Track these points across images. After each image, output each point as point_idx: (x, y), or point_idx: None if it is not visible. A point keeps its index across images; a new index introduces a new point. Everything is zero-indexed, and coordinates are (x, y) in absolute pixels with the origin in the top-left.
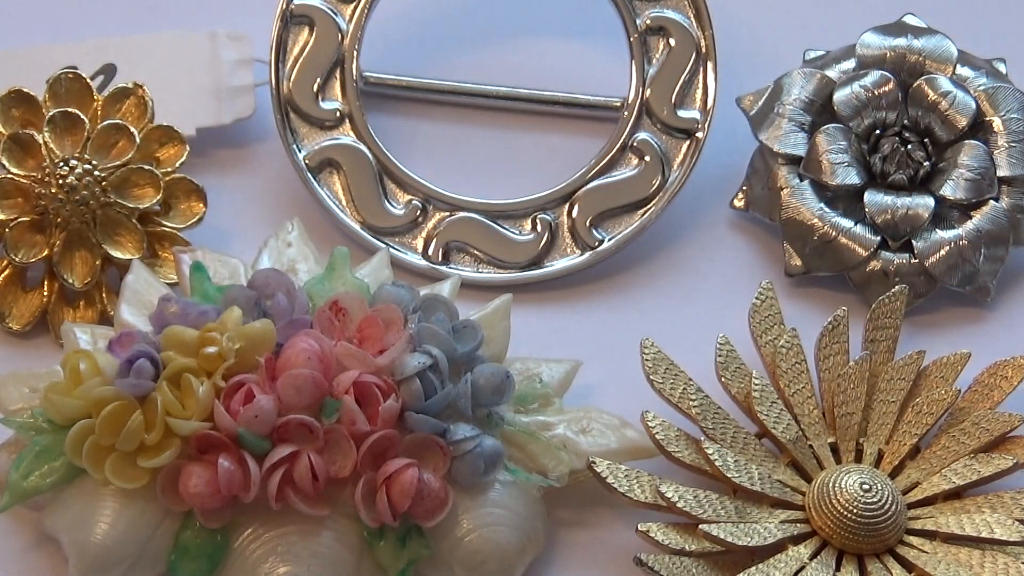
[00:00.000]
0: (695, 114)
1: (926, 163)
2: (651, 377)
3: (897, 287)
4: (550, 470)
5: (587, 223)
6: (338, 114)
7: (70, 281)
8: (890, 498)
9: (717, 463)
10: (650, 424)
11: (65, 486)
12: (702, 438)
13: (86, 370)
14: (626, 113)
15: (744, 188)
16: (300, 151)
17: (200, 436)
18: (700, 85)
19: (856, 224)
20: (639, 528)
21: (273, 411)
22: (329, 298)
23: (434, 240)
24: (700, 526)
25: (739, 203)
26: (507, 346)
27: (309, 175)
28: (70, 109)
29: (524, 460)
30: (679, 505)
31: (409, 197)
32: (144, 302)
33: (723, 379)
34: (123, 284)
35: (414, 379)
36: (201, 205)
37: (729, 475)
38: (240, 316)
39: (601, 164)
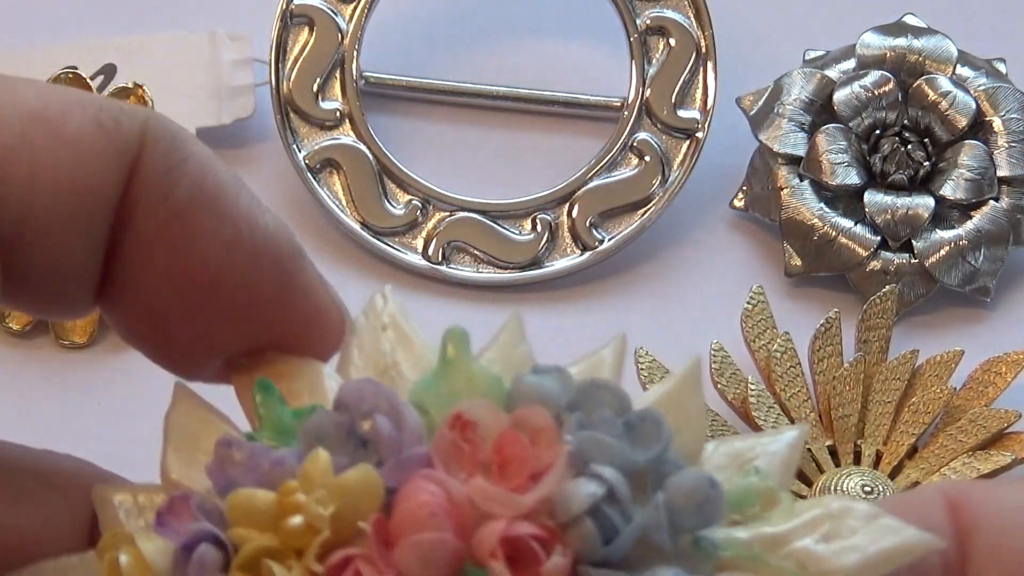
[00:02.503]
0: (695, 114)
1: (926, 163)
2: (647, 387)
3: (887, 287)
4: None
5: (587, 223)
6: (338, 114)
7: None
8: None
9: None
10: None
11: None
12: None
13: (129, 567)
14: (626, 113)
15: (744, 188)
16: (300, 151)
17: None
18: (700, 85)
19: (856, 224)
20: None
21: None
22: (450, 412)
23: (434, 240)
24: None
25: (739, 203)
26: (704, 433)
27: (309, 175)
28: None
29: None
30: None
31: (409, 197)
32: (198, 445)
33: (718, 385)
34: (166, 423)
35: (585, 519)
36: None
37: None
38: (328, 461)
39: (601, 164)
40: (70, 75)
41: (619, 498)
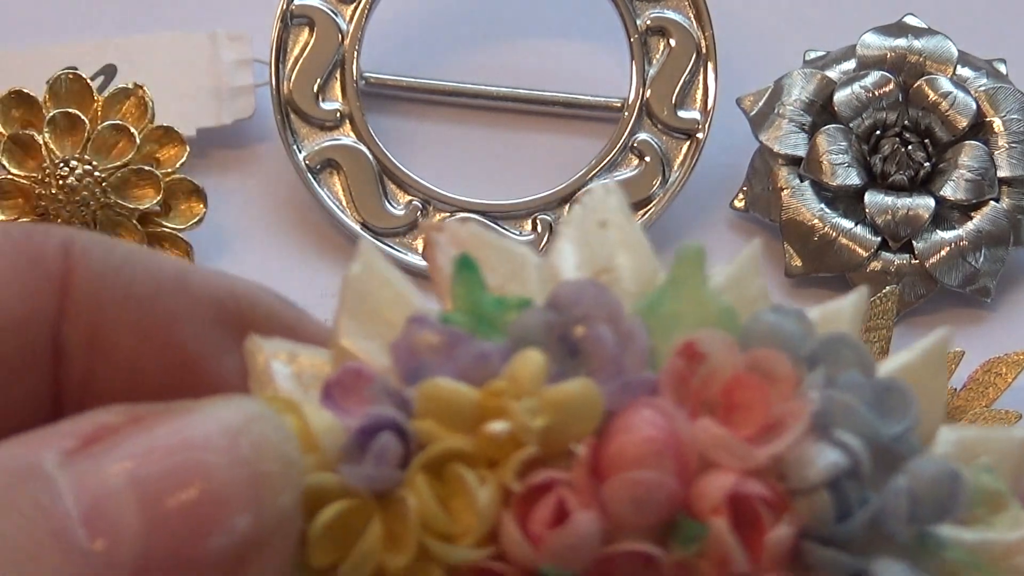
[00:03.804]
0: (695, 115)
1: (926, 164)
2: None
3: (888, 287)
4: None
5: None
6: (338, 115)
7: None
8: None
9: None
10: None
11: None
12: None
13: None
14: (626, 113)
15: (744, 188)
16: (300, 151)
17: (476, 570)
18: (700, 85)
19: (856, 225)
20: None
21: (597, 536)
22: (680, 340)
23: None
24: None
25: (739, 203)
26: (943, 414)
27: (309, 175)
28: (70, 110)
29: None
30: None
31: (409, 197)
32: (379, 314)
33: None
34: (344, 281)
35: (821, 491)
36: (201, 205)
37: None
38: (542, 366)
39: (601, 164)
40: (70, 75)
41: (861, 474)
